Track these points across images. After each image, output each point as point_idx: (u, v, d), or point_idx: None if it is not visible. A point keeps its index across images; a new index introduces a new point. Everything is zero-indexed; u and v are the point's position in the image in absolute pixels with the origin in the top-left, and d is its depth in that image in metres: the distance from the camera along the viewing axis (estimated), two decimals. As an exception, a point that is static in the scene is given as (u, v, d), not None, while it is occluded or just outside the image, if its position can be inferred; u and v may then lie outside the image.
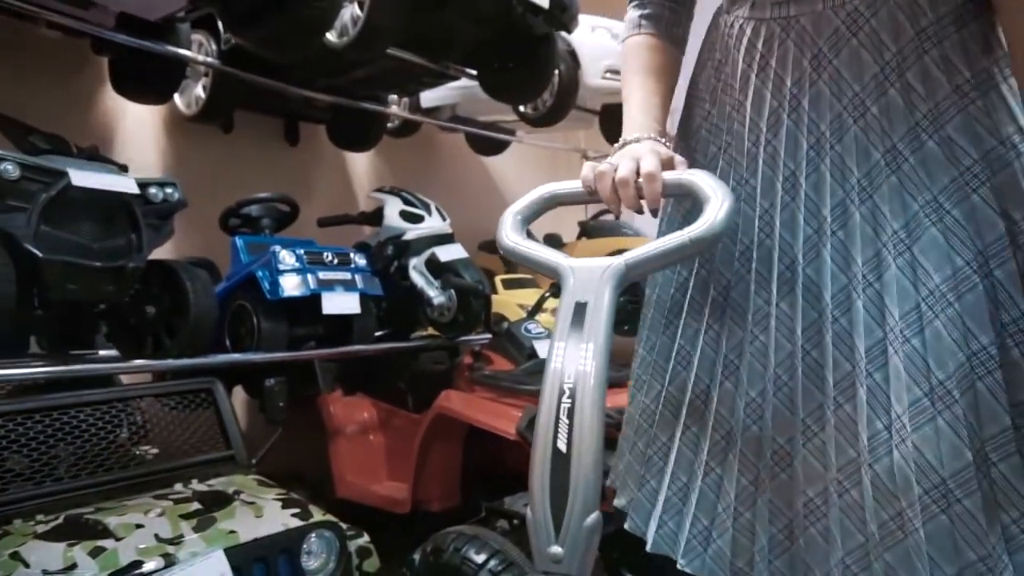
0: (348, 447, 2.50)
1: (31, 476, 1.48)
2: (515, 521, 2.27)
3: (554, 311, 2.80)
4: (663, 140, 0.99)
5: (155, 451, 1.74)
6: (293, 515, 1.51)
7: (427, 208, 2.53)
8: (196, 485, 1.63)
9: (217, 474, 1.70)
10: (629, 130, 1.00)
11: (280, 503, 1.55)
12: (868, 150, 0.86)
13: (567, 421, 0.87)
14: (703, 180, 0.89)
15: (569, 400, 0.87)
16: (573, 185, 1.00)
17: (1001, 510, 0.78)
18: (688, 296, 1.03)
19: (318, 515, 1.54)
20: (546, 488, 0.87)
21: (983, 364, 0.78)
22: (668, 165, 0.94)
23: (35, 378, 1.64)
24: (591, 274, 0.90)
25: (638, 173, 0.92)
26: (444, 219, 2.55)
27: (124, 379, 2.02)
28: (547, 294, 2.59)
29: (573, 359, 0.87)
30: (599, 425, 0.85)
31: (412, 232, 2.45)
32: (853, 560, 0.85)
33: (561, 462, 0.87)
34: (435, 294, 2.38)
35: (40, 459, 1.51)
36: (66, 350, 1.94)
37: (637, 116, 1.02)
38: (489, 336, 2.47)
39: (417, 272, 2.42)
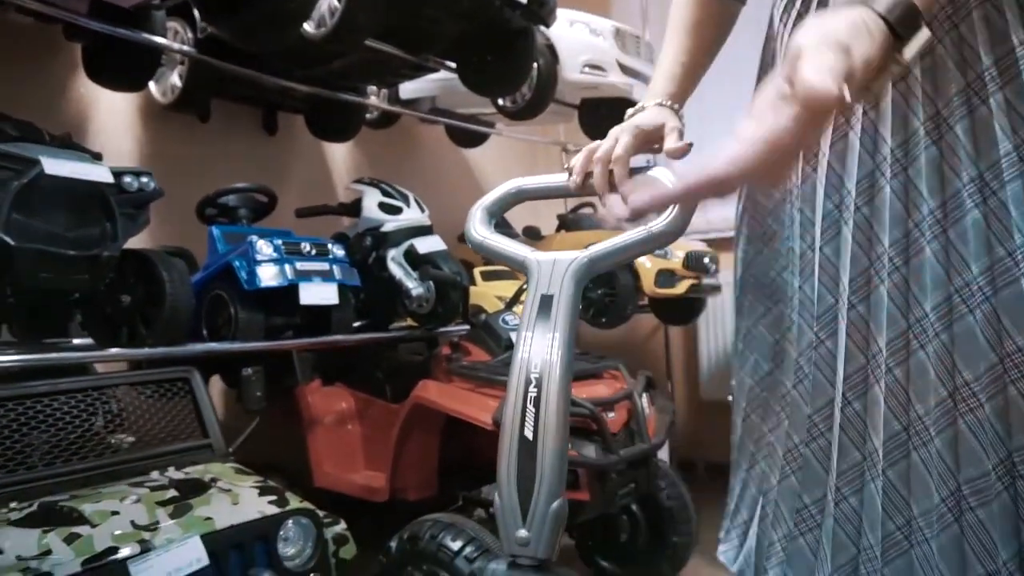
0: (326, 437, 2.51)
1: (3, 464, 1.48)
2: (492, 509, 2.29)
3: (531, 303, 2.83)
4: (671, 104, 0.90)
5: (131, 440, 1.74)
6: (270, 502, 1.52)
7: (406, 200, 2.53)
8: (172, 473, 1.63)
9: (194, 462, 1.71)
10: (645, 96, 0.93)
11: (257, 491, 1.56)
12: (907, 117, 0.76)
13: (533, 409, 0.89)
14: (662, 174, 0.88)
15: (536, 389, 0.89)
16: (541, 180, 1.02)
17: None
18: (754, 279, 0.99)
19: (295, 502, 1.55)
20: (513, 475, 0.89)
21: (1017, 367, 0.70)
22: (653, 138, 0.87)
23: (7, 366, 1.63)
24: (557, 267, 0.92)
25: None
26: (423, 211, 2.56)
27: (99, 368, 2.02)
28: (524, 286, 2.61)
29: (539, 350, 0.89)
30: (564, 414, 0.87)
31: (391, 223, 2.46)
32: None
33: (527, 449, 0.89)
34: (413, 285, 2.39)
35: (13, 447, 1.51)
36: (39, 338, 1.92)
37: (656, 80, 0.93)
38: (467, 328, 2.49)
39: (395, 263, 2.43)
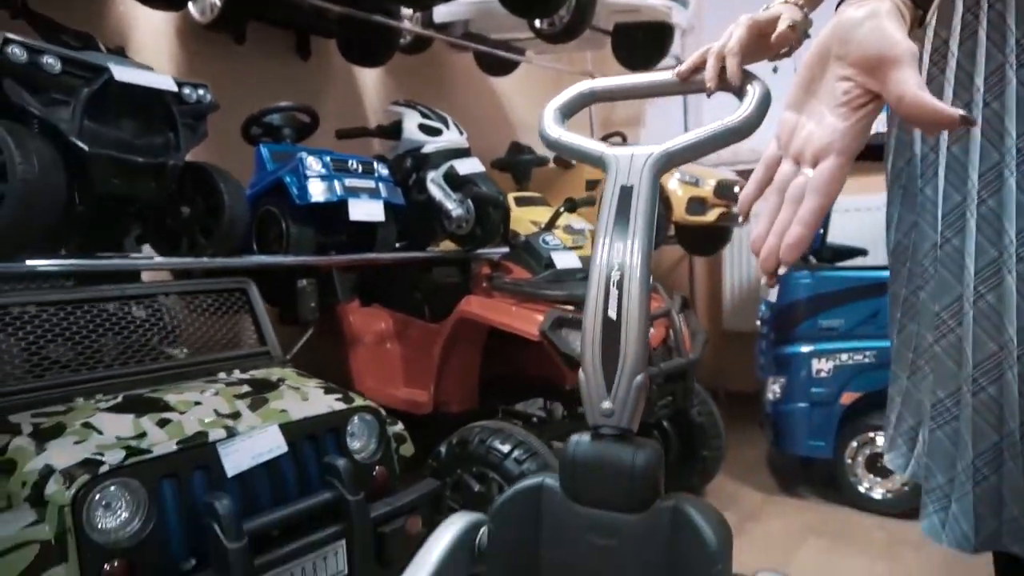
0: (366, 354, 2.60)
1: (84, 362, 1.56)
2: (534, 419, 2.40)
3: (567, 228, 2.87)
4: (797, 1, 0.85)
5: (195, 345, 1.82)
6: (336, 399, 1.61)
7: (444, 122, 2.55)
8: (239, 374, 1.71)
9: (255, 367, 1.79)
10: None
11: (323, 390, 1.65)
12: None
13: (616, 291, 0.94)
14: (746, 73, 0.89)
15: (619, 272, 0.94)
16: (613, 81, 1.04)
17: None
18: None
19: (359, 400, 1.64)
20: (598, 352, 0.95)
21: None
22: (767, 30, 0.84)
23: (76, 270, 1.69)
24: (635, 161, 0.96)
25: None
26: (461, 133, 2.58)
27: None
28: (561, 209, 2.65)
29: (620, 237, 0.93)
30: (645, 295, 0.92)
31: (431, 145, 2.48)
32: (983, 463, 0.82)
33: (611, 328, 0.94)
34: (453, 206, 2.43)
35: (90, 348, 1.59)
36: (95, 252, 1.99)
37: None
38: (505, 250, 2.54)
39: (435, 185, 2.47)
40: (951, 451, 0.89)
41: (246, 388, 1.57)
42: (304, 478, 1.45)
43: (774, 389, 2.66)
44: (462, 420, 2.11)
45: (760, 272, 0.81)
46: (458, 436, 2.02)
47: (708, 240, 3.53)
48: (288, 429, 1.44)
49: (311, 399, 1.59)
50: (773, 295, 2.73)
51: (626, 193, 0.97)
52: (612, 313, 0.96)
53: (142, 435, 1.32)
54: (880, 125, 1.06)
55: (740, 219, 0.86)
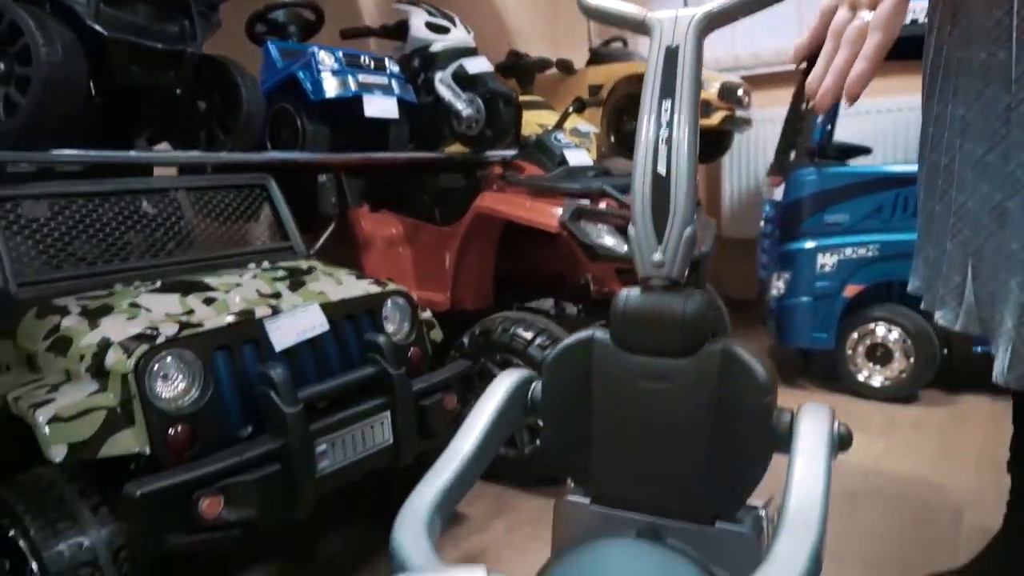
0: (379, 259, 2.62)
1: (110, 259, 1.56)
2: (551, 313, 2.46)
3: (573, 131, 2.86)
4: None
5: (220, 241, 1.83)
6: (370, 284, 1.64)
7: (451, 20, 2.51)
8: (268, 265, 1.73)
9: (282, 260, 1.81)
10: None
11: (354, 277, 1.68)
12: None
13: (665, 148, 0.97)
14: None
15: (667, 130, 0.97)
16: None
17: None
18: None
19: (392, 285, 1.67)
20: (648, 206, 0.98)
21: None
22: None
23: (95, 161, 1.68)
24: (679, 23, 0.97)
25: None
26: (468, 32, 2.54)
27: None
28: (570, 109, 2.64)
29: (667, 95, 0.95)
30: (694, 149, 0.95)
31: (439, 43, 2.45)
32: None
33: (660, 183, 0.98)
34: (463, 106, 2.42)
35: (119, 240, 1.59)
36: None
37: None
38: (514, 152, 2.54)
39: (444, 85, 2.44)
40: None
41: (281, 273, 1.59)
42: (345, 356, 1.50)
43: (778, 285, 2.73)
44: (478, 317, 2.16)
45: (817, 105, 0.86)
46: (480, 327, 2.08)
47: (710, 145, 3.54)
48: (328, 309, 1.48)
49: (345, 284, 1.62)
50: (778, 194, 2.76)
51: (671, 54, 0.98)
52: (661, 169, 0.98)
53: (190, 312, 1.36)
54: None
55: (797, 64, 0.88)
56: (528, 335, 1.97)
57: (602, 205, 2.11)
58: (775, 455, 0.88)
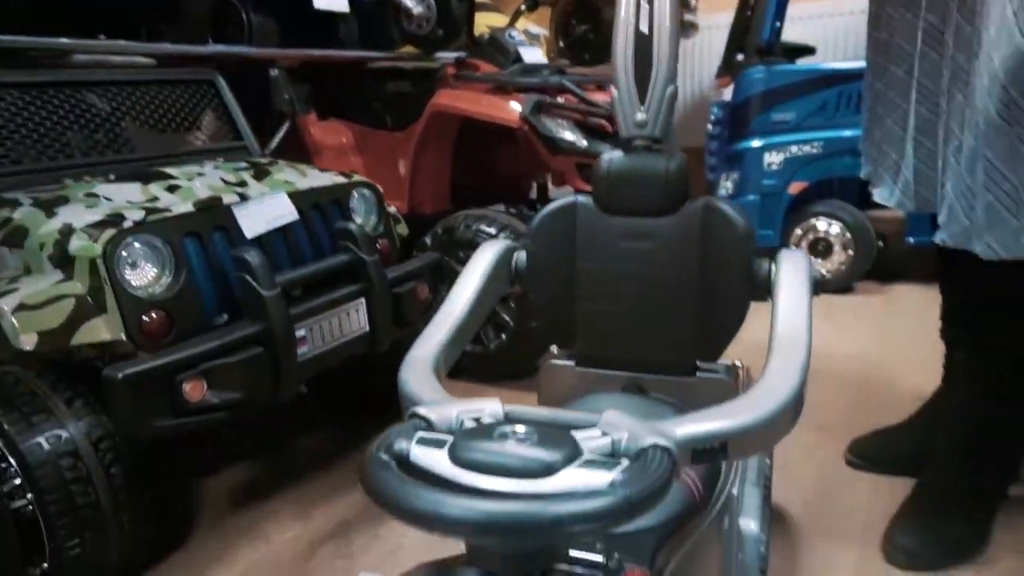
0: (332, 168, 2.56)
1: (55, 155, 1.48)
2: (511, 212, 2.46)
3: (525, 32, 2.81)
4: None
5: (170, 138, 1.75)
6: (335, 175, 1.61)
7: (396, -88, 2.39)
8: (225, 162, 1.68)
9: (237, 160, 1.75)
10: None
11: (318, 169, 1.64)
12: None
13: (647, 6, 0.97)
14: None
15: None
16: None
17: None
18: None
19: (357, 177, 1.65)
20: (630, 65, 0.99)
21: None
22: None
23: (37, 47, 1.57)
24: None
25: None
26: (414, -76, 2.42)
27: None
28: (522, 7, 2.59)
29: None
30: (676, 10, 0.96)
31: (385, -62, 2.34)
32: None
33: (643, 42, 0.98)
34: (413, 4, 2.33)
35: (60, 139, 1.51)
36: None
37: None
38: (464, 54, 2.48)
39: (392, -19, 2.35)
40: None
41: (243, 164, 1.55)
42: (316, 246, 1.48)
43: (727, 186, 2.81)
44: (436, 221, 2.14)
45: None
46: (443, 225, 2.07)
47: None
48: (295, 198, 1.45)
49: (310, 175, 1.59)
50: (727, 95, 2.80)
51: None
52: (644, 27, 0.99)
53: (155, 199, 1.31)
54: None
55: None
56: (492, 230, 1.98)
57: (560, 101, 2.10)
58: (754, 306, 0.94)
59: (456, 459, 0.48)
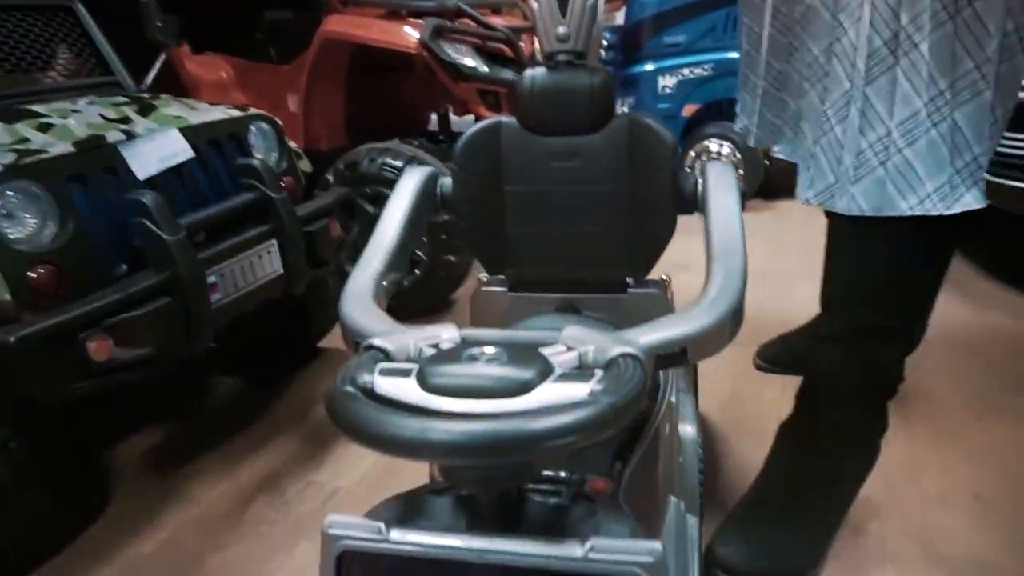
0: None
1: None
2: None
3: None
4: None
5: (28, 75, 1.55)
6: (229, 108, 1.49)
7: None
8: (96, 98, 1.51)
9: (110, 97, 1.58)
10: None
11: (209, 104, 1.51)
12: None
13: None
14: None
15: None
16: None
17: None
18: None
19: (254, 110, 1.53)
20: None
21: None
22: None
23: None
24: None
25: None
26: None
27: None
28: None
29: None
30: None
31: None
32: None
33: None
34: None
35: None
36: None
37: None
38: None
39: None
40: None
41: (123, 99, 1.40)
42: (217, 185, 1.37)
43: (623, 110, 2.83)
44: (333, 159, 2.04)
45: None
46: (344, 160, 1.98)
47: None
48: (188, 133, 1.33)
49: (201, 109, 1.46)
50: (619, 19, 2.81)
51: None
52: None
53: (25, 140, 1.16)
54: None
55: None
56: (399, 163, 1.91)
57: (458, 25, 2.03)
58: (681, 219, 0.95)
59: (427, 385, 0.46)
